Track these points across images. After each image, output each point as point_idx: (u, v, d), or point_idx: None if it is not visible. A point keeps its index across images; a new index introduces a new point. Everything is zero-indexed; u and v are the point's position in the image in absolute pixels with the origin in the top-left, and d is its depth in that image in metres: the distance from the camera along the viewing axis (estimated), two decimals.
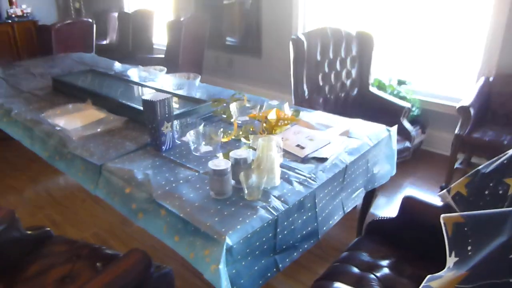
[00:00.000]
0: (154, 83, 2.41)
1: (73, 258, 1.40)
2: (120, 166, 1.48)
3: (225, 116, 1.94)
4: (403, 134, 2.55)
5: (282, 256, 1.24)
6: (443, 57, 3.15)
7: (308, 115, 1.94)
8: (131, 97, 2.25)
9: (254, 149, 1.45)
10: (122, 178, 1.42)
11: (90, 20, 4.22)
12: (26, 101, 2.24)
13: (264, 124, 1.69)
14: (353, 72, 2.91)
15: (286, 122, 1.72)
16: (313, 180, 1.37)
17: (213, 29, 4.29)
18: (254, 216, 1.16)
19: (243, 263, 1.12)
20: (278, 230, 1.20)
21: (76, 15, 5.71)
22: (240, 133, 1.71)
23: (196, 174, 1.41)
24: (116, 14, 5.22)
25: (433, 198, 1.47)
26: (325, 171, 1.43)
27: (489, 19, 2.75)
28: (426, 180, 2.81)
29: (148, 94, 1.72)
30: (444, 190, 1.36)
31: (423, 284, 0.85)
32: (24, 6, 4.69)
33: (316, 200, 1.35)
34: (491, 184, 1.26)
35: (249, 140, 1.61)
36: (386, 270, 1.30)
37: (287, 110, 1.83)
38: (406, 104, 2.68)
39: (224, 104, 2.06)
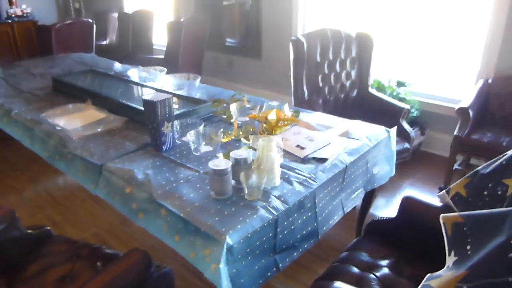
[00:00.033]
0: (154, 83, 2.41)
1: (73, 257, 1.40)
2: (121, 166, 1.48)
3: (225, 116, 1.94)
4: (402, 135, 2.55)
5: (282, 256, 1.24)
6: (442, 59, 3.16)
7: (308, 116, 1.94)
8: (131, 97, 2.25)
9: (254, 149, 1.45)
10: (122, 178, 1.42)
11: (90, 20, 4.23)
12: (26, 101, 2.24)
13: (264, 125, 1.69)
14: (353, 74, 2.92)
15: (286, 122, 1.73)
16: (313, 180, 1.37)
17: (213, 30, 4.30)
18: (254, 216, 1.16)
19: (243, 262, 1.12)
20: (278, 230, 1.20)
21: (76, 15, 5.71)
22: (240, 133, 1.71)
23: (197, 174, 1.41)
24: (116, 15, 5.23)
25: (432, 199, 1.47)
26: (325, 171, 1.44)
27: (488, 22, 2.76)
28: (425, 181, 2.82)
29: (148, 94, 1.72)
30: (443, 191, 1.36)
31: (422, 283, 0.85)
32: (24, 6, 4.69)
33: (316, 200, 1.35)
34: (490, 185, 1.26)
35: (249, 140, 1.62)
36: (385, 270, 1.31)
37: (287, 111, 1.84)
38: (405, 106, 2.69)
39: (224, 105, 2.07)
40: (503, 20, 2.68)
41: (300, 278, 1.91)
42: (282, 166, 1.42)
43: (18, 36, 4.52)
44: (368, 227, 1.58)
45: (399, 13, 3.27)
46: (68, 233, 2.28)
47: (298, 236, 1.30)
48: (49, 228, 1.51)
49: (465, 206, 1.29)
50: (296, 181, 1.35)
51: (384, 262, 1.35)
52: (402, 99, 2.97)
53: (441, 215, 1.00)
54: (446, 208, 1.34)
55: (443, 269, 0.86)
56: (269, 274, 1.20)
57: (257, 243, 1.15)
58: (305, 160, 1.49)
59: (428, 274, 0.85)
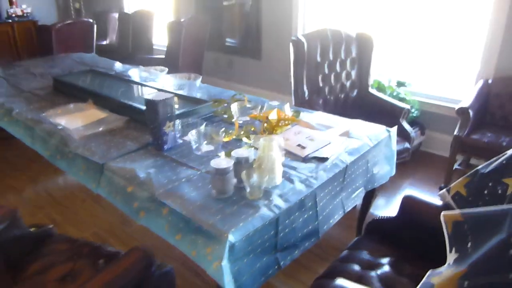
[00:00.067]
0: (155, 83, 2.42)
1: (74, 256, 1.40)
2: (122, 165, 1.49)
3: (226, 116, 1.95)
4: (402, 135, 2.56)
5: (283, 254, 1.25)
6: (442, 59, 3.17)
7: (308, 116, 1.95)
8: (132, 97, 2.25)
9: (256, 149, 1.46)
10: (124, 177, 1.42)
11: (91, 20, 4.23)
12: (27, 101, 2.25)
13: (265, 124, 1.70)
14: (353, 74, 2.92)
15: (286, 122, 1.73)
16: (314, 179, 1.38)
17: (213, 30, 4.30)
18: (256, 215, 1.17)
19: (245, 260, 1.13)
20: (279, 228, 1.21)
21: (76, 15, 5.72)
22: (241, 133, 1.72)
23: (198, 173, 1.42)
24: (116, 15, 5.23)
25: (433, 198, 1.48)
26: (326, 170, 1.44)
27: (488, 22, 2.77)
28: (425, 181, 2.83)
29: (150, 94, 1.73)
30: (444, 190, 1.37)
31: (424, 279, 0.86)
32: (24, 6, 4.69)
33: (317, 199, 1.36)
34: (490, 184, 1.27)
35: (250, 140, 1.62)
36: (386, 269, 1.31)
37: (288, 111, 1.84)
38: (406, 106, 2.69)
39: (225, 105, 2.07)
40: (503, 20, 2.69)
41: (300, 277, 1.92)
42: (283, 165, 1.42)
43: (18, 36, 4.52)
44: (368, 226, 1.58)
45: (399, 13, 3.28)
46: (68, 233, 2.27)
47: (299, 234, 1.30)
48: (51, 226, 1.52)
49: (465, 205, 1.29)
50: (297, 180, 1.36)
51: (385, 261, 1.35)
52: (402, 99, 2.98)
53: (442, 212, 1.00)
54: (446, 207, 1.35)
55: (444, 266, 0.86)
56: (270, 272, 1.21)
57: (259, 241, 1.16)
58: (306, 160, 1.50)
59: (430, 271, 0.86)
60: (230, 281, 1.07)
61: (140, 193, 1.34)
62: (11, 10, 4.60)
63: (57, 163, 1.74)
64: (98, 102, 2.08)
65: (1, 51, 4.39)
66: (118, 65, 3.07)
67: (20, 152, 3.21)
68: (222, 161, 1.27)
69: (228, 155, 1.41)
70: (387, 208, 2.52)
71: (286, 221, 1.24)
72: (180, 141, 1.67)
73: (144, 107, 1.65)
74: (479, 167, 1.34)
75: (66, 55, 3.51)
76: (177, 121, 1.67)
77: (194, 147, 1.58)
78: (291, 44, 2.72)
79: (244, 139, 1.66)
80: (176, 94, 2.12)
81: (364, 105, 2.88)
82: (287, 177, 1.37)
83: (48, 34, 3.91)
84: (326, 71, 2.84)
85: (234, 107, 1.85)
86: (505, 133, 2.49)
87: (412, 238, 1.43)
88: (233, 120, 1.85)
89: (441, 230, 1.04)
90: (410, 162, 2.86)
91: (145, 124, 1.73)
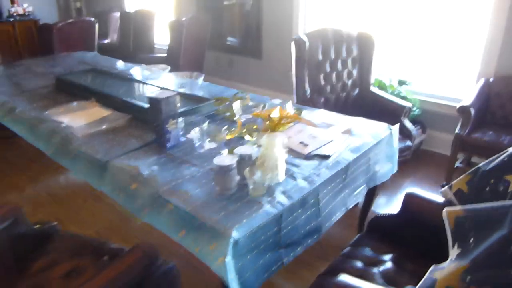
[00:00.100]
0: (157, 81, 2.43)
1: (78, 253, 1.41)
2: (126, 163, 1.49)
3: (228, 114, 1.95)
4: (403, 133, 2.57)
5: (287, 251, 1.26)
6: (443, 58, 3.18)
7: (310, 114, 1.96)
8: (135, 95, 2.26)
9: (259, 146, 1.47)
10: (127, 175, 1.43)
11: (92, 20, 4.23)
12: (30, 99, 2.25)
13: (267, 122, 1.70)
14: (354, 73, 2.93)
15: (289, 120, 1.74)
16: (316, 176, 1.38)
17: (213, 30, 4.31)
18: (259, 211, 1.17)
19: (249, 257, 1.13)
20: (282, 225, 1.22)
21: (77, 14, 5.72)
22: (244, 131, 1.73)
23: (201, 170, 1.42)
24: (116, 14, 5.24)
25: (435, 195, 1.48)
26: (328, 168, 1.45)
27: (488, 21, 2.78)
28: (426, 179, 2.84)
29: (153, 92, 1.73)
30: (446, 187, 1.38)
31: (426, 275, 0.87)
32: (25, 5, 4.70)
33: (319, 196, 1.37)
34: (491, 181, 1.28)
35: (253, 137, 1.63)
36: (388, 265, 1.32)
37: (290, 109, 1.85)
38: (407, 104, 2.70)
39: (227, 103, 2.08)
40: (503, 20, 2.70)
41: (302, 274, 1.92)
42: (285, 162, 1.43)
43: (19, 35, 4.53)
44: (370, 223, 1.59)
45: (400, 12, 3.29)
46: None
47: (302, 231, 1.31)
48: (56, 223, 1.52)
49: (467, 202, 1.30)
50: (300, 178, 1.36)
51: (387, 257, 1.36)
52: (403, 98, 2.98)
53: (445, 209, 1.01)
54: (448, 205, 1.35)
55: (446, 262, 0.87)
56: (273, 268, 1.22)
57: (262, 238, 1.17)
58: (308, 157, 1.51)
59: (432, 266, 0.87)
60: (234, 277, 1.08)
61: (144, 191, 1.35)
62: (13, 9, 4.61)
63: (61, 161, 1.74)
64: (101, 100, 2.09)
65: (3, 50, 4.40)
66: (120, 64, 3.08)
67: (20, 152, 3.22)
68: (226, 158, 1.28)
69: (231, 152, 1.42)
70: (388, 206, 2.52)
71: (289, 218, 1.24)
72: (183, 139, 1.68)
73: (146, 105, 1.66)
74: (481, 164, 1.35)
75: (67, 54, 3.52)
76: (180, 119, 1.68)
77: (197, 145, 1.59)
78: (293, 43, 2.72)
79: (247, 137, 1.67)
80: (178, 93, 2.13)
81: (365, 104, 2.89)
82: (290, 174, 1.38)
83: (49, 33, 3.91)
84: (327, 70, 2.84)
85: (236, 105, 1.86)
86: (505, 132, 2.50)
87: (414, 237, 1.44)
88: (235, 118, 1.85)
89: (443, 228, 1.04)
90: (411, 161, 2.86)
91: (148, 122, 1.74)
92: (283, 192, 1.28)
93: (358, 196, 1.63)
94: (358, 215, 2.02)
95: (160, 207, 1.29)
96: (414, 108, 3.06)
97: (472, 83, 2.92)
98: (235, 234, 1.08)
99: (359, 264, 1.33)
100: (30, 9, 4.71)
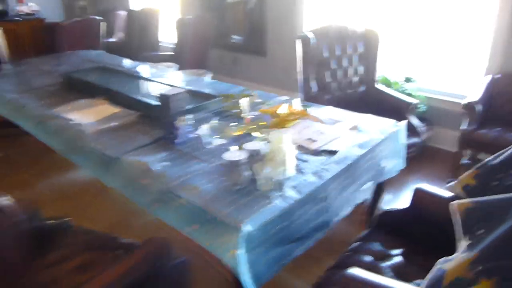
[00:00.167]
0: (164, 79, 2.44)
1: (91, 247, 1.43)
2: (136, 158, 1.51)
3: (235, 111, 1.97)
4: (410, 130, 2.57)
5: (296, 245, 1.27)
6: (449, 55, 3.18)
7: (317, 110, 1.97)
8: (143, 92, 2.28)
9: (268, 142, 1.48)
10: (138, 170, 1.45)
11: (98, 18, 4.25)
12: (38, 97, 2.28)
13: (275, 118, 1.72)
14: (360, 69, 2.94)
15: (296, 116, 1.76)
16: (325, 171, 1.40)
17: (217, 28, 4.32)
18: (270, 205, 1.19)
19: (259, 250, 1.15)
20: (292, 218, 1.23)
21: (82, 13, 5.75)
22: (252, 127, 1.74)
23: (211, 165, 1.44)
24: (121, 13, 5.26)
25: (443, 190, 1.49)
26: (336, 163, 1.46)
27: (494, 18, 2.78)
28: (432, 176, 2.84)
29: (163, 89, 1.75)
30: (453, 182, 1.39)
31: (435, 266, 0.88)
32: (31, 4, 4.73)
33: (328, 191, 1.38)
34: (499, 176, 1.29)
35: (261, 133, 1.64)
36: (397, 259, 1.33)
37: (298, 105, 1.86)
38: (413, 100, 2.70)
39: (234, 100, 2.10)
40: (509, 16, 2.69)
41: (310, 268, 1.93)
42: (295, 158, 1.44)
43: (26, 34, 4.56)
44: (379, 218, 1.59)
45: (406, 9, 3.28)
46: None
47: (311, 225, 1.32)
48: (69, 218, 1.55)
49: (475, 196, 1.31)
50: (309, 173, 1.38)
51: (397, 252, 1.37)
52: (408, 95, 2.99)
53: (452, 202, 1.03)
54: (456, 199, 1.36)
55: (455, 254, 0.89)
56: (283, 261, 1.23)
57: (272, 231, 1.18)
58: (316, 153, 1.52)
59: (442, 259, 0.88)
60: (246, 269, 1.10)
61: (154, 186, 1.37)
62: (19, 9, 4.65)
63: (71, 157, 1.77)
64: (110, 97, 2.11)
65: (9, 48, 4.43)
66: (126, 62, 3.10)
67: (23, 149, 3.24)
68: (235, 154, 1.29)
69: (240, 148, 1.43)
70: (394, 202, 2.53)
71: (299, 212, 1.26)
72: (191, 135, 1.69)
73: (155, 102, 1.69)
74: (488, 159, 1.36)
75: (73, 52, 3.54)
76: (189, 116, 1.70)
77: (205, 141, 1.60)
78: (298, 40, 2.73)
79: (254, 133, 1.69)
80: (186, 90, 2.15)
81: (371, 101, 2.89)
82: (299, 170, 1.39)
83: (55, 32, 3.94)
84: (333, 67, 2.85)
85: (244, 101, 1.87)
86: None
87: (423, 231, 1.45)
88: (242, 115, 1.87)
89: (452, 223, 1.05)
90: (417, 157, 2.87)
91: (157, 119, 1.76)
92: (293, 187, 1.29)
93: (366, 191, 1.64)
94: (364, 210, 2.03)
95: (170, 202, 1.31)
96: (420, 105, 3.06)
97: (478, 80, 2.92)
98: (247, 227, 1.10)
99: (368, 258, 1.34)
100: (36, 8, 4.74)
